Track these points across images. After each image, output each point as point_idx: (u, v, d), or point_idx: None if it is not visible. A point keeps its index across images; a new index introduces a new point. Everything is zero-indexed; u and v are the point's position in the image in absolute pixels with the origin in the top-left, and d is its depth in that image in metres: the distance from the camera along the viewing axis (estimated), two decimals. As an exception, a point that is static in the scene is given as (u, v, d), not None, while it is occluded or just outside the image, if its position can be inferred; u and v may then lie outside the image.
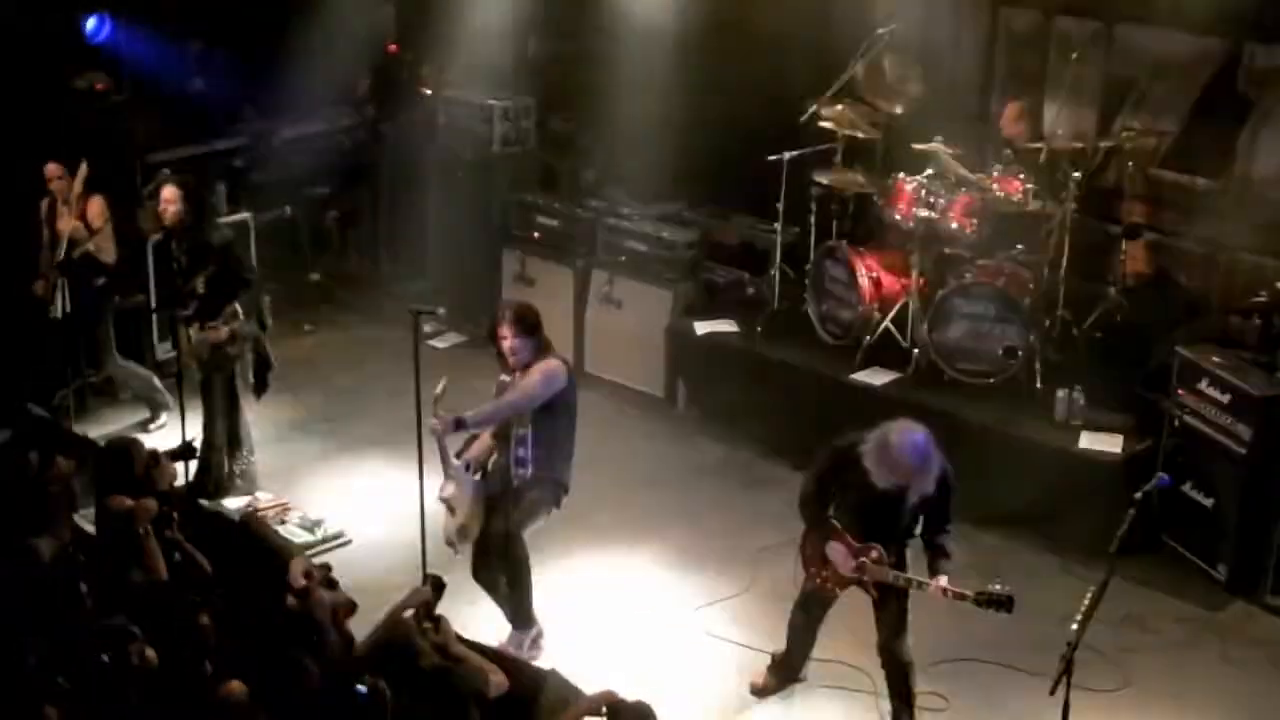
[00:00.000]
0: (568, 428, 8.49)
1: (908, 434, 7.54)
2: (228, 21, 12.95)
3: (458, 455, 8.50)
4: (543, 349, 8.39)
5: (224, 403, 10.06)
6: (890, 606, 7.82)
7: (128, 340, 11.24)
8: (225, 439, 10.10)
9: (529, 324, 8.35)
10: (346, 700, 6.56)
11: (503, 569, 8.51)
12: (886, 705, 8.14)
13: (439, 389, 8.29)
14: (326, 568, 7.44)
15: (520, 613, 8.60)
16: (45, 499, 7.93)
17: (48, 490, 8.02)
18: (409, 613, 7.08)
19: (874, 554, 7.70)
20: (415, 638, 6.81)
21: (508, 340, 8.37)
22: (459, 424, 8.26)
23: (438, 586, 7.27)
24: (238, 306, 9.81)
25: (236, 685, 6.44)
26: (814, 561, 7.98)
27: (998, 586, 7.46)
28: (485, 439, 8.52)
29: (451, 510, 8.42)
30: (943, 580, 7.61)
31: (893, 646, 7.85)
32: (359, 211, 13.72)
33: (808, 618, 8.21)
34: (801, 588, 8.16)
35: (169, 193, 9.83)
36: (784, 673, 8.40)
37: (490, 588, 8.57)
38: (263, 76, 12.97)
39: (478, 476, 8.48)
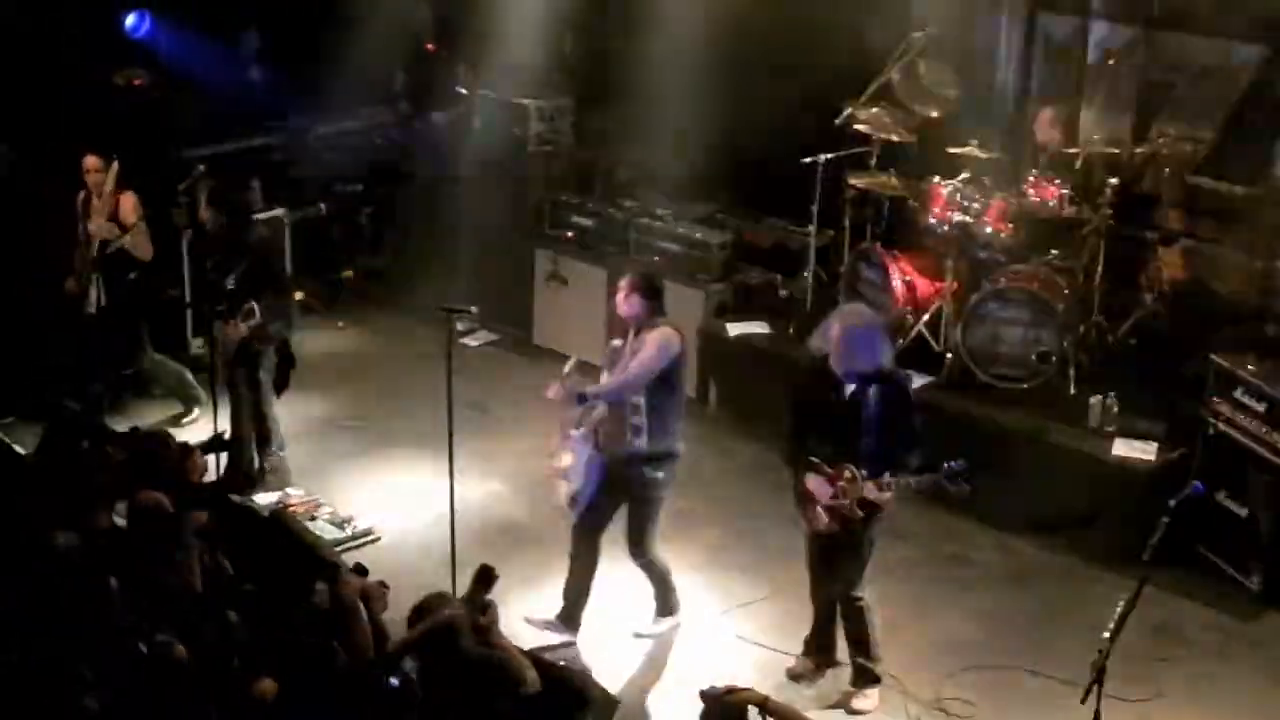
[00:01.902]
0: (679, 394, 8.57)
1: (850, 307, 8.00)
2: (266, 18, 13.01)
3: (576, 427, 8.53)
4: (656, 314, 8.38)
5: (250, 396, 10.09)
6: (844, 543, 7.95)
7: (162, 335, 11.27)
8: (253, 434, 10.14)
9: (649, 287, 8.36)
10: (377, 689, 6.58)
11: (640, 567, 8.73)
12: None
13: (567, 368, 8.49)
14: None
15: (661, 602, 8.85)
16: (87, 489, 7.94)
17: (92, 480, 8.04)
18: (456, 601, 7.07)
19: (847, 473, 7.74)
20: (460, 621, 6.77)
21: (624, 301, 8.39)
22: (581, 399, 8.35)
23: (488, 578, 7.19)
24: (254, 305, 9.84)
25: (269, 684, 6.46)
26: (804, 505, 8.01)
27: (950, 464, 7.61)
28: (601, 409, 8.48)
29: (567, 480, 8.55)
30: (876, 481, 7.69)
31: (831, 588, 8.09)
32: (393, 209, 13.73)
33: (817, 577, 8.27)
34: (806, 547, 8.23)
35: (204, 197, 9.95)
36: (818, 649, 8.41)
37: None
38: (300, 73, 13.01)
39: (594, 448, 8.49)
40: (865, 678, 8.26)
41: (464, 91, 13.00)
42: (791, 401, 8.11)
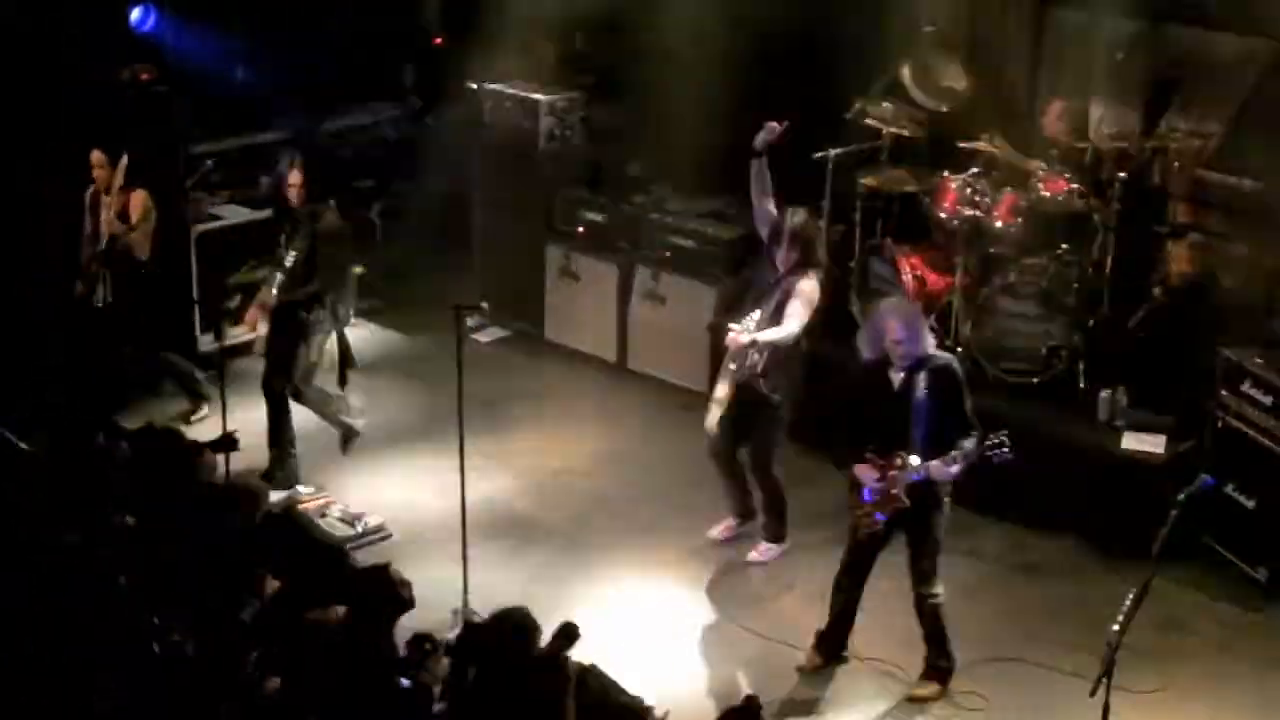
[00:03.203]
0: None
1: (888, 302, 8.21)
2: (274, 12, 13.02)
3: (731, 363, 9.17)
4: (808, 264, 9.06)
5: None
6: (921, 538, 8.06)
7: (170, 332, 11.29)
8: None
9: (805, 240, 9.05)
10: (391, 689, 6.60)
11: (760, 491, 9.54)
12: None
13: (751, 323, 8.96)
14: None
15: (772, 531, 9.53)
16: (99, 486, 7.97)
17: (104, 477, 8.07)
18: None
19: (897, 461, 7.85)
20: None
21: (787, 250, 9.01)
22: (752, 343, 8.88)
23: (570, 635, 6.92)
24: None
25: (272, 682, 6.50)
26: (853, 498, 8.15)
27: (992, 438, 7.80)
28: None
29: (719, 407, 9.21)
30: (942, 459, 7.83)
31: (925, 574, 8.14)
32: (403, 205, 13.75)
33: (851, 578, 8.34)
34: (846, 545, 8.34)
35: (295, 176, 10.02)
36: (829, 647, 8.46)
37: (726, 475, 9.65)
38: (308, 68, 13.01)
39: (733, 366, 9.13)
40: (937, 674, 8.30)
41: (474, 86, 13.01)
42: (841, 406, 8.25)
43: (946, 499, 8.09)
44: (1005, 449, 7.79)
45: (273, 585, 7.25)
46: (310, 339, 10.18)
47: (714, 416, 9.28)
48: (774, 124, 9.36)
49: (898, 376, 7.93)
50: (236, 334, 11.50)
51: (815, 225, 9.49)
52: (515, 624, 6.66)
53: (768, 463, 9.46)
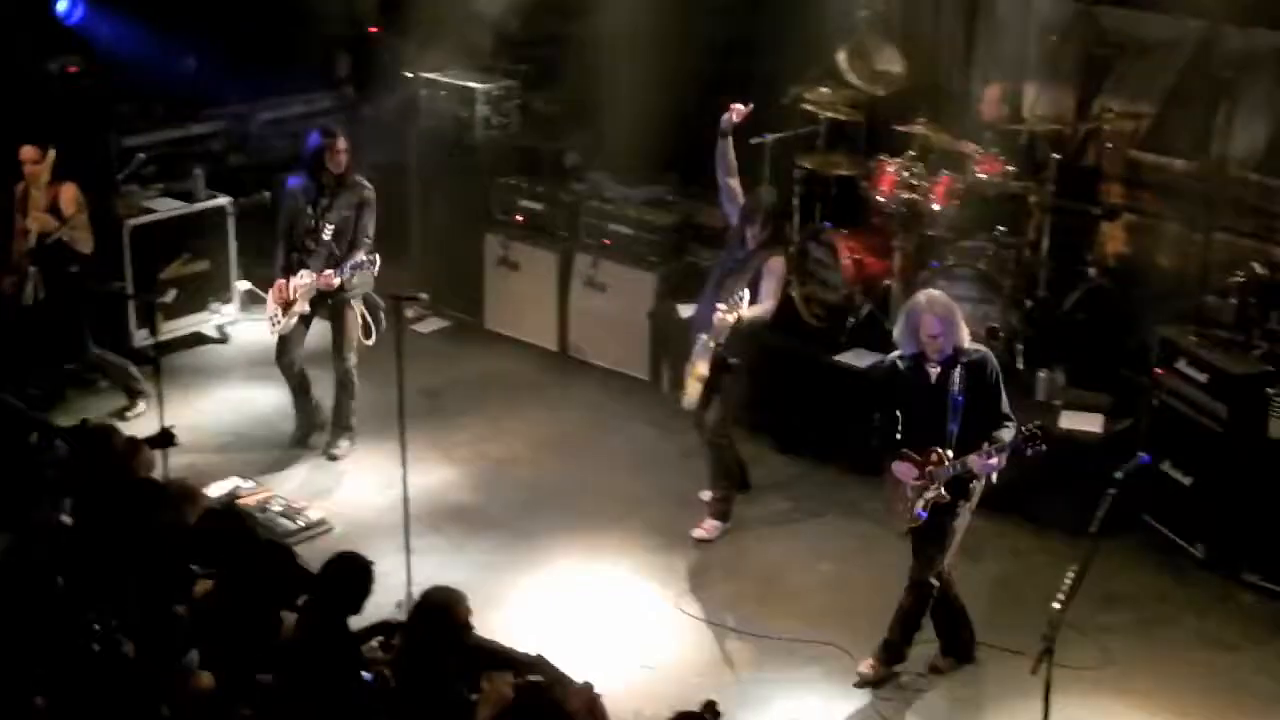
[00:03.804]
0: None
1: (923, 294, 8.04)
2: (206, 3, 12.92)
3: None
4: (778, 240, 9.50)
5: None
6: (936, 526, 7.97)
7: (104, 328, 11.19)
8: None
9: (768, 214, 9.37)
10: (351, 683, 6.59)
11: (715, 464, 9.60)
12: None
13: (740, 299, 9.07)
14: None
15: (719, 509, 9.60)
16: (34, 485, 7.90)
17: (39, 475, 8.00)
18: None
19: (934, 456, 7.80)
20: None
21: (757, 227, 9.30)
22: (738, 320, 9.03)
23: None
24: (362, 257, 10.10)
25: (206, 677, 6.47)
26: (893, 498, 8.06)
27: (1026, 428, 7.69)
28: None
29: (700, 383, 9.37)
30: (979, 453, 7.74)
31: (915, 569, 8.05)
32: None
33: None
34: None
35: (341, 143, 10.13)
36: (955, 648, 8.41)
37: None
38: (242, 59, 12.93)
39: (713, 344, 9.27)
40: (890, 652, 8.28)
41: (410, 75, 12.96)
42: (879, 399, 8.14)
43: (976, 491, 8.00)
44: (1040, 441, 7.67)
45: (205, 585, 7.22)
46: (355, 307, 10.37)
47: (695, 392, 9.37)
48: (739, 105, 9.50)
49: (934, 370, 7.85)
50: (171, 329, 11.47)
51: (782, 204, 9.72)
52: (432, 603, 6.67)
53: (725, 430, 9.51)
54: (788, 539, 9.64)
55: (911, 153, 10.62)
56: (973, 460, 7.74)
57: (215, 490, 9.76)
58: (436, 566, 8.77)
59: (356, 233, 10.19)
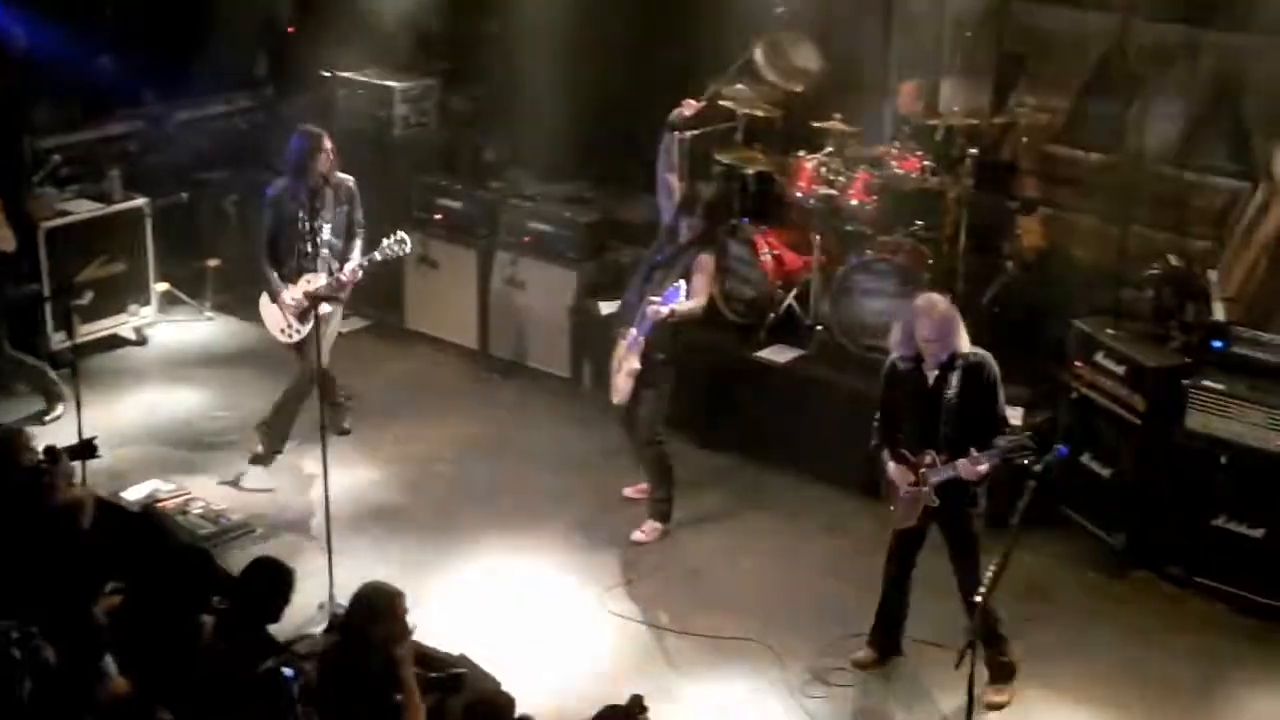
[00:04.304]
0: None
1: (923, 298, 7.97)
2: (122, 3, 12.80)
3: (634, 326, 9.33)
4: (712, 235, 9.50)
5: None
6: (956, 536, 7.97)
7: (20, 330, 11.04)
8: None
9: (715, 210, 9.53)
10: (272, 682, 6.55)
11: (648, 466, 9.61)
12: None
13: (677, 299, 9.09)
14: None
15: (659, 510, 9.59)
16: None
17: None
18: None
19: (928, 459, 7.79)
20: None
21: (693, 219, 9.31)
22: (671, 313, 9.07)
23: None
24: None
25: (120, 683, 6.41)
26: (889, 499, 8.15)
27: (1016, 437, 7.68)
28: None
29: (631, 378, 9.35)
30: (970, 459, 7.64)
31: (969, 577, 7.89)
32: (258, 195, 13.56)
33: (898, 568, 8.26)
34: (888, 546, 8.27)
35: (328, 142, 9.96)
36: (883, 644, 8.39)
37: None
38: (158, 59, 12.80)
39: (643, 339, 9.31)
40: (1003, 672, 8.13)
41: (327, 74, 12.89)
42: (880, 403, 8.13)
43: (981, 496, 7.94)
44: (1030, 451, 7.54)
45: (114, 592, 7.16)
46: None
47: (626, 389, 9.35)
48: (691, 100, 9.61)
49: (931, 373, 7.81)
50: (88, 331, 11.35)
51: (723, 199, 9.77)
52: (361, 600, 6.64)
53: (656, 429, 9.48)
54: (710, 536, 9.67)
55: (829, 148, 10.67)
56: (961, 465, 7.66)
57: (134, 493, 9.69)
58: (359, 567, 8.71)
59: (351, 225, 10.11)
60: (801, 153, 10.72)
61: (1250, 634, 8.74)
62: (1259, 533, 8.84)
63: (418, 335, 12.27)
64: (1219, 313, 9.40)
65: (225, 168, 13.34)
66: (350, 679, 6.49)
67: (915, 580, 8.40)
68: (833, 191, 10.54)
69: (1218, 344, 9.20)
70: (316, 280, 9.93)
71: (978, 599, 6.76)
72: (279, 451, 10.23)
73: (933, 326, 7.74)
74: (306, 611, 8.24)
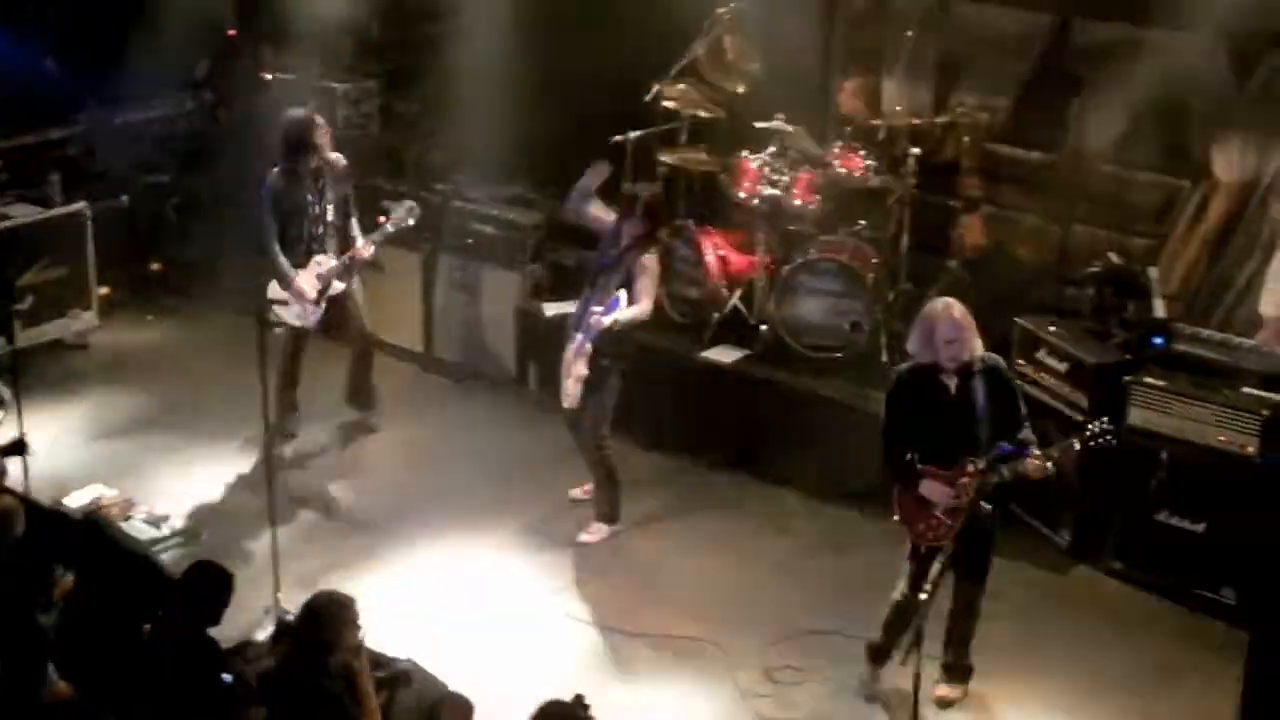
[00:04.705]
0: None
1: (939, 301, 7.82)
2: (62, 6, 12.70)
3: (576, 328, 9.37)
4: (654, 238, 9.38)
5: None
6: (979, 554, 7.81)
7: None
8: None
9: (655, 212, 9.36)
10: (212, 687, 6.52)
11: (595, 468, 9.58)
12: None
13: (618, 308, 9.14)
14: None
15: (606, 511, 9.58)
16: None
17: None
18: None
19: (970, 468, 7.53)
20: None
21: (634, 220, 9.29)
22: (614, 323, 9.11)
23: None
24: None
25: (63, 687, 6.37)
26: (916, 517, 7.72)
27: (1093, 426, 7.53)
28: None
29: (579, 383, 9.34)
30: (1034, 457, 7.52)
31: (971, 591, 7.87)
32: (199, 199, 13.51)
33: (915, 587, 7.78)
34: (909, 562, 7.85)
35: (323, 121, 10.20)
36: (882, 657, 8.17)
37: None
38: (98, 62, 12.72)
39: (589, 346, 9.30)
40: (963, 673, 8.15)
41: (268, 77, 12.82)
42: (892, 415, 7.81)
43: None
44: (1111, 436, 7.49)
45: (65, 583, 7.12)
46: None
47: (575, 394, 9.33)
48: (601, 164, 9.71)
49: (952, 382, 7.61)
50: (30, 337, 11.26)
51: (663, 200, 9.70)
52: (315, 611, 6.62)
53: (602, 431, 9.47)
54: (658, 536, 9.67)
55: (772, 148, 10.70)
56: (1031, 465, 7.49)
57: (77, 499, 9.60)
58: (305, 572, 8.70)
59: (348, 203, 10.27)
60: (745, 153, 10.74)
61: (1193, 628, 8.80)
62: (1201, 527, 8.90)
63: (363, 338, 12.22)
64: (1160, 310, 9.48)
65: (167, 171, 13.28)
66: (307, 691, 6.46)
67: (839, 580, 8.44)
68: (776, 191, 10.56)
69: (1158, 341, 9.28)
70: (327, 262, 10.13)
71: (922, 595, 6.78)
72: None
73: (953, 326, 7.57)
74: (253, 616, 8.20)
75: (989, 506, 7.64)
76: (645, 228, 9.31)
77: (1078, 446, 7.53)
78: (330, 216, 10.18)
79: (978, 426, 7.60)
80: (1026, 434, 7.66)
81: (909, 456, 7.69)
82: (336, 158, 10.24)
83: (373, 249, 10.24)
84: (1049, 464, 7.53)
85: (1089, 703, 8.20)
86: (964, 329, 7.61)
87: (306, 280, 10.17)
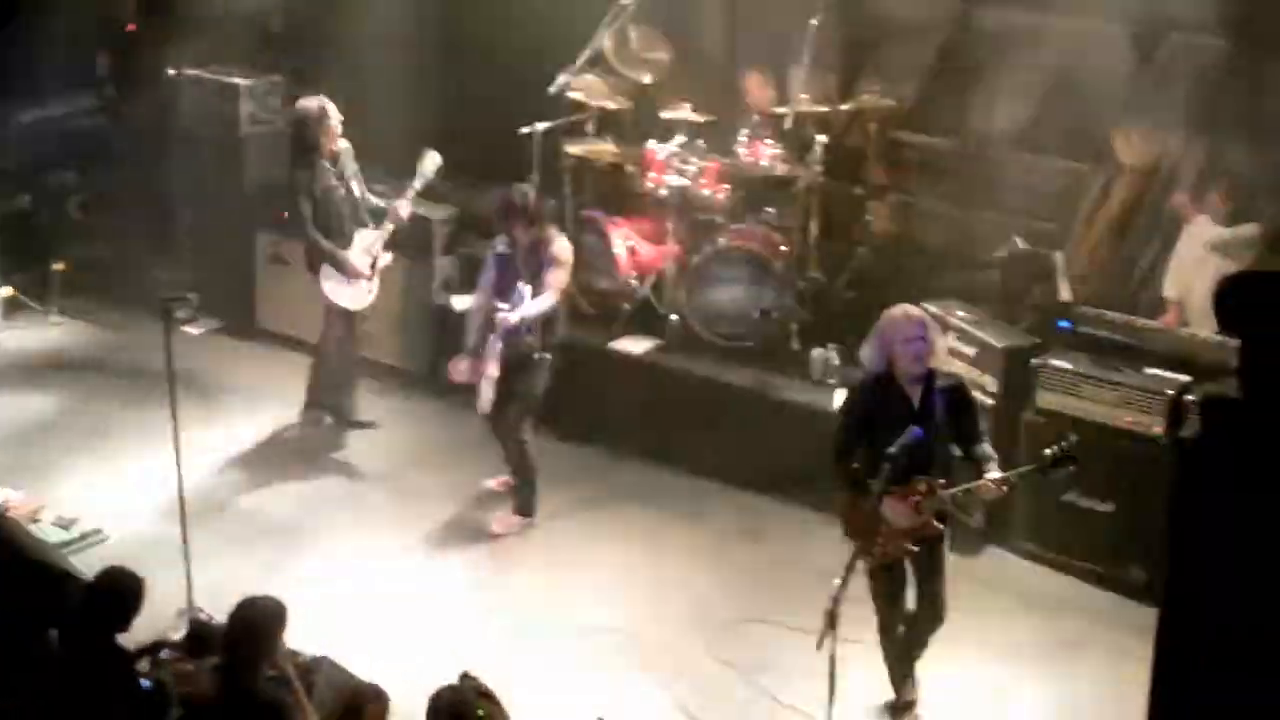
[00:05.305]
0: None
1: (896, 306, 7.65)
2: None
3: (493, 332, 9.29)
4: (544, 225, 9.39)
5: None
6: (934, 555, 7.67)
7: None
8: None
9: (537, 212, 9.37)
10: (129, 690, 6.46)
11: (512, 460, 9.55)
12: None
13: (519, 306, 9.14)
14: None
15: (521, 504, 9.57)
16: None
17: None
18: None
19: (923, 486, 7.35)
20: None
21: (524, 222, 9.31)
22: (520, 320, 9.11)
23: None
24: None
25: None
26: (866, 533, 7.37)
27: (1050, 450, 7.35)
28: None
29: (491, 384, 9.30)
30: (993, 474, 7.40)
31: (938, 598, 7.76)
32: (104, 197, 13.35)
33: (895, 608, 7.79)
34: (869, 578, 7.62)
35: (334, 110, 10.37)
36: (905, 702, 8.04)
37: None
38: (-1, 60, 12.57)
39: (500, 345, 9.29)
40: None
41: (171, 73, 12.68)
42: (847, 425, 7.56)
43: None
44: (1068, 459, 7.30)
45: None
46: None
47: (488, 395, 9.30)
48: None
49: (915, 394, 7.42)
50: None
51: (540, 197, 9.69)
52: (245, 620, 6.56)
53: (523, 423, 9.47)
54: (573, 528, 9.67)
55: (680, 138, 10.71)
56: (984, 486, 7.39)
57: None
58: (217, 572, 8.62)
59: (359, 178, 10.50)
60: (651, 143, 10.74)
61: (1103, 607, 8.91)
62: (1109, 507, 9.02)
63: (271, 334, 12.14)
64: (1065, 293, 9.58)
65: (69, 169, 13.11)
66: (243, 701, 6.43)
67: (755, 566, 8.45)
68: (684, 181, 10.58)
69: (1064, 324, 9.38)
70: (368, 237, 10.34)
71: (836, 581, 6.80)
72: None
73: (915, 325, 7.42)
74: (165, 616, 8.12)
75: (941, 525, 7.56)
76: (539, 226, 9.33)
77: (1037, 471, 7.45)
78: (356, 194, 10.37)
79: (936, 442, 7.45)
80: (986, 449, 7.55)
81: (850, 473, 7.49)
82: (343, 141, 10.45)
83: (409, 208, 10.37)
84: (1005, 487, 7.47)
85: (999, 679, 8.28)
86: (928, 328, 7.48)
87: (356, 258, 10.32)
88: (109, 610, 6.69)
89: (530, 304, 9.11)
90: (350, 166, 10.43)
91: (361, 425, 10.77)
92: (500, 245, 9.47)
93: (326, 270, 10.37)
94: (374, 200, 10.48)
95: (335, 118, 10.33)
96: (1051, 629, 8.71)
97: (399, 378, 11.47)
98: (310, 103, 10.39)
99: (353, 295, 10.45)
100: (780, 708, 8.02)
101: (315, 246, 10.36)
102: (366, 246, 10.37)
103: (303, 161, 10.32)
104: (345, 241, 10.35)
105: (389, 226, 10.37)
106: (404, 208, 10.34)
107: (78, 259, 12.84)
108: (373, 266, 10.43)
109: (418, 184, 10.26)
